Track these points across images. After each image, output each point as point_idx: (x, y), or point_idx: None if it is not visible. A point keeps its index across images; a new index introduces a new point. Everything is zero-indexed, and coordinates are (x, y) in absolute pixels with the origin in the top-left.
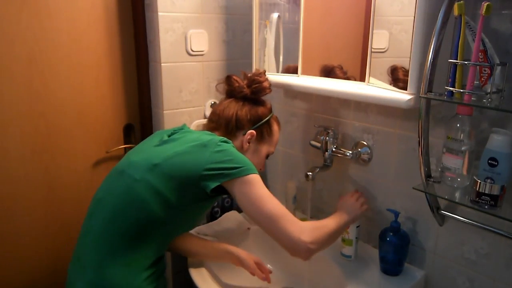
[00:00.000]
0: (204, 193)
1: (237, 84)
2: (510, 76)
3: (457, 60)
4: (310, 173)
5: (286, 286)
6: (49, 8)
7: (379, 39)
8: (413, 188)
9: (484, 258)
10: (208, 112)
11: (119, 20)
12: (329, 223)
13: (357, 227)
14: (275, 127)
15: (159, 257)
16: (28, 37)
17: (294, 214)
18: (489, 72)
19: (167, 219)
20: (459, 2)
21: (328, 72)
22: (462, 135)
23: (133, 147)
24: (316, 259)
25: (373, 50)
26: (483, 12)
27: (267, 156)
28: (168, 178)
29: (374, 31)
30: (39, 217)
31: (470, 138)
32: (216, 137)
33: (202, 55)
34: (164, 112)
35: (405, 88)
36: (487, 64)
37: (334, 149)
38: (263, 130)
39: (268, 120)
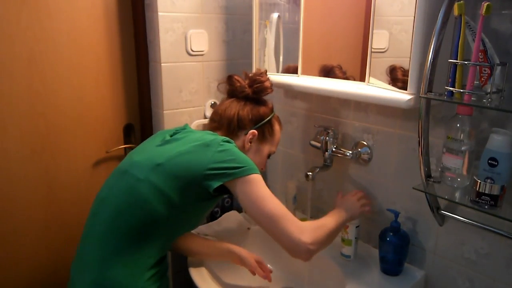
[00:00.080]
0: (207, 193)
1: (238, 84)
2: (510, 76)
3: (457, 60)
4: (310, 173)
5: (286, 286)
6: (49, 8)
7: (379, 39)
8: (413, 188)
9: (484, 258)
10: (208, 112)
11: (119, 20)
12: (328, 221)
13: (356, 227)
14: (276, 126)
15: (162, 256)
16: (28, 37)
17: (294, 214)
18: (489, 72)
19: (170, 219)
20: (459, 2)
21: (327, 72)
22: (462, 135)
23: (133, 147)
24: (316, 259)
25: (373, 50)
26: (483, 12)
27: (268, 156)
28: (171, 178)
29: (374, 31)
30: (39, 217)
31: (470, 138)
32: (219, 137)
33: (202, 55)
34: (164, 112)
35: (404, 88)
36: (487, 64)
37: (334, 149)
38: (265, 129)
39: (270, 119)
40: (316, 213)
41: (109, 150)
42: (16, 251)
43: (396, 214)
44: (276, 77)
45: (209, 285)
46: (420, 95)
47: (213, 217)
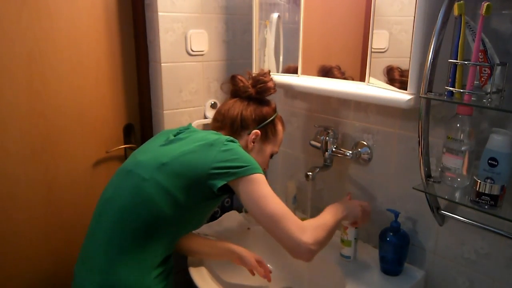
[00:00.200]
0: (211, 192)
1: (242, 84)
2: (510, 76)
3: (457, 60)
4: (310, 173)
5: (286, 286)
6: (49, 8)
7: (379, 39)
8: (413, 188)
9: (484, 258)
10: (208, 112)
11: (119, 20)
12: (327, 219)
13: (356, 228)
14: (279, 127)
15: (168, 255)
16: (28, 37)
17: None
18: (489, 72)
19: (176, 218)
20: (459, 2)
21: (326, 72)
22: (462, 135)
23: (133, 147)
24: (316, 259)
25: (373, 50)
26: (483, 12)
27: (271, 156)
28: (176, 177)
29: (374, 31)
30: (39, 217)
31: (470, 138)
32: (223, 137)
33: (202, 55)
34: (164, 112)
35: (401, 88)
36: (487, 64)
37: (334, 149)
38: (268, 129)
39: (273, 120)
40: (316, 213)
41: (109, 150)
42: (16, 251)
43: (396, 214)
44: (276, 77)
45: (209, 285)
46: (420, 95)
47: (213, 217)
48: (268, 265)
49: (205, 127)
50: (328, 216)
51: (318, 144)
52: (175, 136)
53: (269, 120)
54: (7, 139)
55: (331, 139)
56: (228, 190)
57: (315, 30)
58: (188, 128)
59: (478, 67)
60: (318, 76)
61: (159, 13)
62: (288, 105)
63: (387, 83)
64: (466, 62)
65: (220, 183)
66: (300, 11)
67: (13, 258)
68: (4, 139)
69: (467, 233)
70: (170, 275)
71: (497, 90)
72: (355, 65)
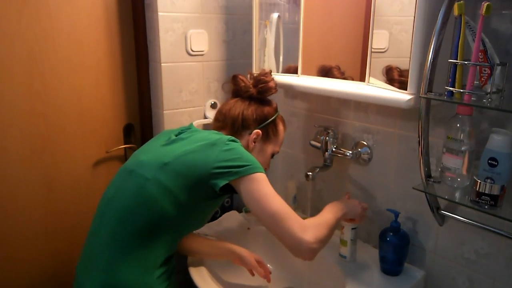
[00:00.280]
0: (213, 192)
1: (243, 84)
2: (510, 76)
3: (457, 60)
4: (310, 173)
5: (286, 286)
6: (49, 8)
7: (379, 39)
8: (413, 188)
9: (484, 258)
10: (208, 112)
11: (119, 20)
12: (328, 217)
13: (352, 229)
14: (280, 126)
15: (170, 255)
16: (28, 37)
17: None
18: (489, 72)
19: (178, 218)
20: (459, 2)
21: (325, 72)
22: (462, 135)
23: (133, 147)
24: (316, 259)
25: (373, 50)
26: (483, 12)
27: (272, 156)
28: (179, 177)
29: (374, 31)
30: (39, 217)
31: (470, 138)
32: (224, 136)
33: (202, 55)
34: (164, 112)
35: (400, 88)
36: (487, 64)
37: (334, 149)
38: (269, 129)
39: (274, 119)
40: (316, 213)
41: (109, 150)
42: (16, 251)
43: (396, 214)
44: (276, 77)
45: (209, 285)
46: (420, 95)
47: (213, 217)
48: (268, 265)
49: (205, 127)
50: (328, 214)
51: (318, 144)
52: (176, 136)
53: (270, 120)
54: (7, 139)
55: (331, 139)
56: (230, 190)
57: (315, 30)
58: (189, 128)
59: (478, 67)
60: (318, 76)
61: (159, 13)
62: (288, 105)
63: (386, 83)
64: (466, 62)
65: (222, 182)
66: (300, 11)
67: (13, 258)
68: (4, 139)
69: (467, 233)
70: (172, 275)
71: (497, 90)
72: (355, 65)
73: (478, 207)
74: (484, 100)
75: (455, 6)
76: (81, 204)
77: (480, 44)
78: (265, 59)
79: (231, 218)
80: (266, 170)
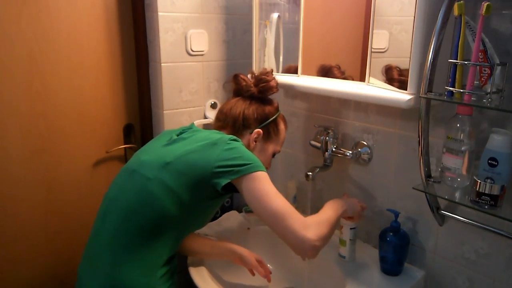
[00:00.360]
0: (215, 191)
1: (244, 83)
2: (510, 76)
3: (457, 60)
4: (310, 173)
5: (286, 286)
6: (49, 8)
7: (379, 39)
8: (413, 188)
9: (484, 258)
10: (208, 112)
11: (119, 20)
12: (329, 215)
13: (351, 228)
14: (281, 126)
15: (172, 255)
16: (28, 37)
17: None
18: (489, 72)
19: (180, 217)
20: (459, 2)
21: (325, 72)
22: (462, 135)
23: (133, 147)
24: (316, 259)
25: (373, 50)
26: (483, 12)
27: (273, 155)
28: (181, 176)
29: (374, 31)
30: (39, 217)
31: (470, 138)
32: (226, 136)
33: (202, 55)
34: (164, 112)
35: (400, 88)
36: (487, 64)
37: (334, 149)
38: (270, 129)
39: (275, 119)
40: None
41: (109, 150)
42: (16, 251)
43: (396, 214)
44: (276, 77)
45: (209, 285)
46: (420, 95)
47: (213, 217)
48: (268, 265)
49: (206, 127)
50: (329, 211)
51: (318, 144)
52: (178, 135)
53: (271, 119)
54: (7, 139)
55: (331, 139)
56: (232, 189)
57: (315, 30)
58: (190, 127)
59: (478, 67)
60: (318, 75)
61: (159, 13)
62: (288, 105)
63: (385, 82)
64: (466, 62)
65: (223, 181)
66: (300, 11)
67: (13, 258)
68: (4, 139)
69: (467, 233)
70: (174, 275)
71: (497, 90)
72: (355, 65)
73: (478, 207)
74: (484, 100)
75: (455, 6)
76: (81, 204)
77: (480, 44)
78: (265, 59)
79: (231, 218)
80: (267, 169)
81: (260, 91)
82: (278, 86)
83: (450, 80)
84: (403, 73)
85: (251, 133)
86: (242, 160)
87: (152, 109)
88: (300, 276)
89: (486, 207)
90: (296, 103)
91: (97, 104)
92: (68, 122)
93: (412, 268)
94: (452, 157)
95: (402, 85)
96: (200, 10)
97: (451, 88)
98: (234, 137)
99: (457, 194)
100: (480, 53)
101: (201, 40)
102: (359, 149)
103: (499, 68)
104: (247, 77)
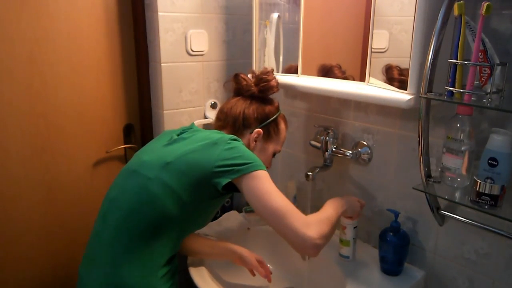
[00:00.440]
0: (216, 191)
1: (245, 83)
2: (510, 76)
3: (457, 60)
4: (310, 173)
5: (286, 286)
6: (49, 8)
7: (379, 39)
8: (413, 188)
9: (484, 258)
10: (208, 112)
11: (119, 20)
12: (330, 213)
13: (354, 228)
14: (282, 125)
15: (173, 255)
16: (28, 37)
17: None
18: (489, 72)
19: (181, 217)
20: (459, 2)
21: (326, 71)
22: (462, 135)
23: (133, 147)
24: (316, 259)
25: (373, 50)
26: (483, 12)
27: (273, 155)
28: (181, 176)
29: (374, 31)
30: (39, 217)
31: (470, 138)
32: (226, 135)
33: (202, 55)
34: (164, 112)
35: (400, 87)
36: (487, 64)
37: (334, 149)
38: (270, 128)
39: (276, 118)
40: None
41: (109, 150)
42: (16, 251)
43: (396, 214)
44: (277, 77)
45: (209, 285)
46: (420, 95)
47: (213, 217)
48: (268, 265)
49: (206, 127)
50: (330, 209)
51: (318, 144)
52: (178, 135)
53: (271, 118)
54: (7, 139)
55: (331, 139)
56: (232, 189)
57: (315, 30)
58: (191, 127)
59: (478, 67)
60: (318, 75)
61: (159, 13)
62: (288, 105)
63: (385, 82)
64: (466, 62)
65: (224, 181)
66: (300, 11)
67: (13, 258)
68: (4, 139)
69: (467, 233)
70: (175, 275)
71: (497, 90)
72: (355, 65)
73: (478, 207)
74: (484, 100)
75: (455, 6)
76: (81, 204)
77: (480, 44)
78: (265, 59)
79: (231, 218)
80: (267, 169)
81: (260, 91)
82: (279, 85)
83: (450, 80)
84: (403, 72)
85: (252, 132)
86: (243, 159)
87: (152, 109)
88: (300, 276)
89: (486, 207)
90: (296, 103)
91: (97, 104)
92: (68, 122)
93: (412, 268)
94: (452, 157)
95: (402, 85)
96: (200, 10)
97: (451, 88)
98: (235, 136)
99: (457, 194)
100: (480, 53)
101: (201, 40)
102: (359, 149)
103: (499, 68)
104: (247, 76)
